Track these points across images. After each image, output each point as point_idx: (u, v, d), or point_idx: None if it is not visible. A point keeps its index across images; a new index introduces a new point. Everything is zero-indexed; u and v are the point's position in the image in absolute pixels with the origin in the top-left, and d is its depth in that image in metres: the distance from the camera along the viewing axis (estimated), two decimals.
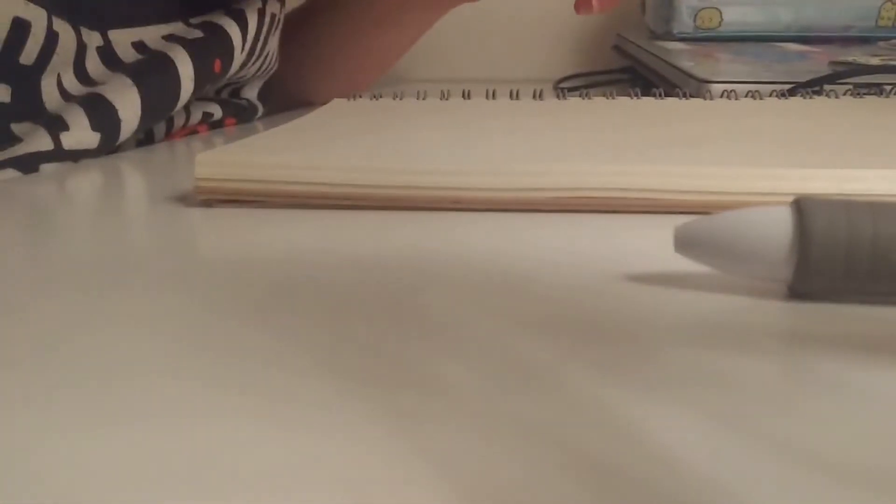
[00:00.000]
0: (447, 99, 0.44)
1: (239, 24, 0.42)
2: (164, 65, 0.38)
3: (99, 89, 0.36)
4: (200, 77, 0.40)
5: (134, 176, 0.31)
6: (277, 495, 0.10)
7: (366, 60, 0.56)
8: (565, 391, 0.12)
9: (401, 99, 0.43)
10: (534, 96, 0.43)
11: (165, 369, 0.13)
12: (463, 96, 0.44)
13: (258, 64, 0.46)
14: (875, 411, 0.12)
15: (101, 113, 0.35)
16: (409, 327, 0.15)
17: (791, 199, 0.17)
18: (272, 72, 0.50)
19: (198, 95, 0.41)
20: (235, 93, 0.48)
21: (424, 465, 0.10)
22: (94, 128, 0.35)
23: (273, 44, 0.47)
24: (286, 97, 0.56)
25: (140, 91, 0.36)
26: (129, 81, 0.36)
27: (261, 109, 0.50)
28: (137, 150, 0.38)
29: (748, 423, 0.11)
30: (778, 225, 0.16)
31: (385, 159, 0.25)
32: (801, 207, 0.16)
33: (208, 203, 0.25)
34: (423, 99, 0.44)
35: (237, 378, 0.13)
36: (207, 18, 0.41)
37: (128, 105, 0.36)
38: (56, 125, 0.34)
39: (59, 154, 0.34)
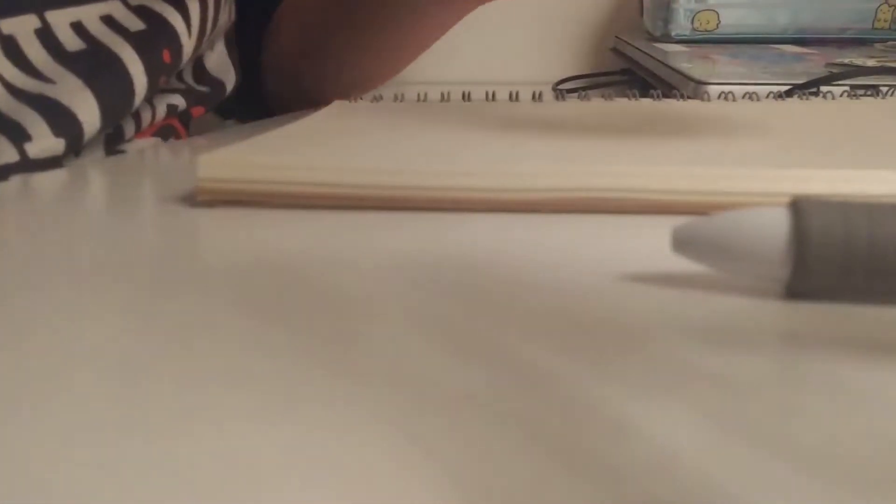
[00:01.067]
0: (447, 100, 0.44)
1: (180, 11, 0.41)
2: (112, 63, 0.37)
3: (50, 91, 0.35)
4: (152, 71, 0.39)
5: (130, 178, 0.31)
6: (278, 494, 0.10)
7: (377, 59, 0.55)
8: (562, 390, 0.13)
9: (401, 100, 0.43)
10: (533, 98, 0.43)
11: (167, 369, 0.14)
12: (463, 98, 0.45)
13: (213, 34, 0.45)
14: (872, 411, 0.12)
15: (61, 118, 0.35)
16: (408, 327, 0.15)
17: (788, 199, 0.17)
18: (229, 25, 0.48)
19: (156, 88, 0.41)
20: (200, 69, 0.47)
21: (423, 465, 0.11)
22: (57, 134, 0.34)
23: (224, 16, 0.46)
24: (295, 96, 0.55)
25: (94, 92, 0.36)
26: (80, 83, 0.36)
27: (229, 85, 0.48)
28: (132, 154, 0.38)
29: (745, 422, 0.12)
30: (775, 225, 0.16)
31: (385, 160, 0.25)
32: (798, 208, 0.16)
33: (210, 204, 0.25)
34: (424, 100, 0.44)
35: (239, 377, 0.13)
36: (146, 3, 0.40)
37: (85, 107, 0.35)
38: (18, 135, 0.33)
39: (27, 165, 0.34)
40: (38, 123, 0.34)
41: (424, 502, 0.10)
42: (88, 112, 0.36)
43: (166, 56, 0.40)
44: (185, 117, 0.46)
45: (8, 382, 0.13)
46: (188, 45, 0.42)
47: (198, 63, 0.47)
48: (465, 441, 0.11)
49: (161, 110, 0.43)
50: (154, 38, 0.40)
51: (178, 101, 0.44)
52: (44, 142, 0.34)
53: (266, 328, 0.15)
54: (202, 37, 0.44)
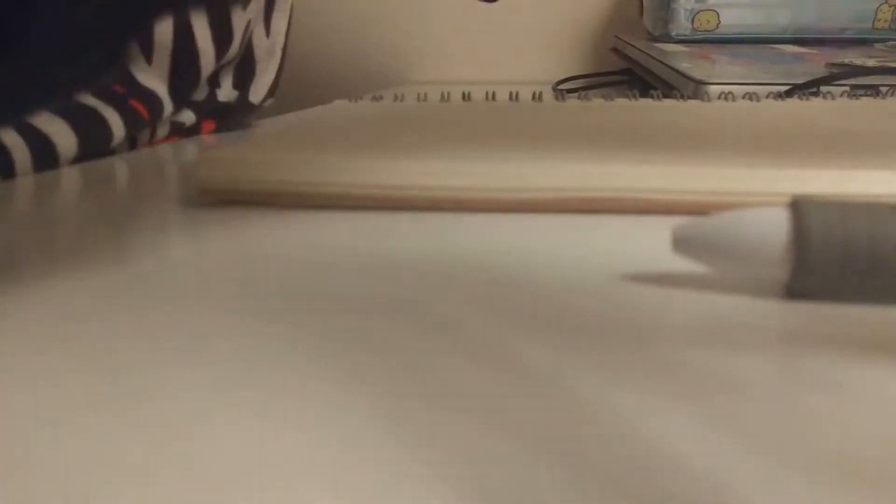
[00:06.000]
0: (447, 100, 0.44)
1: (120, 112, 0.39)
2: (85, 106, 0.37)
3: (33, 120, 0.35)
4: (130, 122, 0.39)
5: (131, 178, 0.31)
6: (277, 493, 0.10)
7: None
8: (563, 391, 0.13)
9: (402, 100, 0.43)
10: (533, 98, 0.43)
11: (167, 369, 0.14)
12: (463, 98, 0.45)
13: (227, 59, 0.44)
14: (872, 411, 0.12)
15: (43, 150, 0.34)
16: (408, 326, 0.15)
17: (788, 199, 0.17)
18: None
19: (134, 133, 0.40)
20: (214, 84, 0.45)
21: (423, 465, 0.11)
22: (36, 168, 0.34)
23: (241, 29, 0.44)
24: None
25: (69, 123, 0.36)
26: (52, 115, 0.35)
27: (257, 103, 0.47)
28: (128, 154, 0.38)
29: (745, 422, 0.12)
30: (775, 225, 0.16)
31: (385, 160, 0.25)
32: (798, 208, 0.16)
33: (211, 204, 0.25)
34: (424, 100, 0.44)
35: (240, 377, 0.13)
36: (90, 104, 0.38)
37: (62, 135, 0.35)
38: (5, 165, 0.33)
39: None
40: (25, 155, 0.34)
41: (425, 501, 0.10)
42: (66, 141, 0.35)
43: (142, 111, 0.40)
44: (192, 132, 0.44)
45: (11, 381, 0.13)
46: (168, 106, 0.41)
47: (216, 78, 0.45)
48: (465, 440, 0.11)
49: (163, 131, 0.42)
50: (128, 97, 0.39)
51: (187, 117, 0.43)
52: (27, 171, 0.34)
53: (266, 328, 0.15)
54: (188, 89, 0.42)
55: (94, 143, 0.37)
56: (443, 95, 0.45)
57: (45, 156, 0.35)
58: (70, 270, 0.19)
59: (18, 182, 0.31)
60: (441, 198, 0.24)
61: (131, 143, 0.41)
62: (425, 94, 0.45)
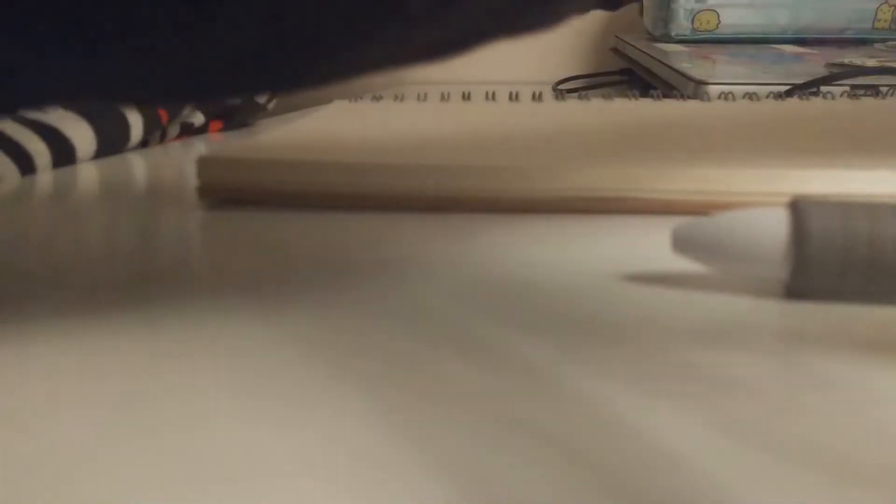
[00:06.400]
0: (447, 100, 0.44)
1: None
2: (114, 110, 0.38)
3: (46, 118, 0.35)
4: (149, 125, 0.39)
5: (130, 179, 0.31)
6: (277, 494, 0.10)
7: None
8: (564, 391, 0.13)
9: (402, 100, 0.43)
10: (533, 98, 0.43)
11: (169, 371, 0.14)
12: (463, 98, 0.45)
13: None
14: (872, 410, 0.12)
15: (63, 152, 0.35)
16: (408, 326, 0.15)
17: (788, 199, 0.17)
18: None
19: (151, 134, 0.41)
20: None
21: (424, 465, 0.11)
22: (55, 164, 0.35)
23: None
24: None
25: (93, 127, 0.36)
26: (74, 115, 0.36)
27: (262, 102, 0.47)
28: (131, 155, 0.38)
29: (745, 422, 0.12)
30: (775, 225, 0.16)
31: (385, 160, 0.25)
32: (798, 208, 0.16)
33: (210, 205, 0.25)
34: (424, 100, 0.44)
35: (243, 378, 0.13)
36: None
37: (84, 142, 0.36)
38: (23, 161, 0.34)
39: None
40: (45, 156, 0.34)
41: (426, 501, 0.10)
42: (85, 144, 0.36)
43: (163, 115, 0.41)
44: (200, 132, 0.45)
45: (14, 384, 0.13)
46: (187, 107, 0.42)
47: None
48: (465, 440, 0.11)
49: (173, 131, 0.43)
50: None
51: (196, 117, 0.44)
52: (46, 170, 0.34)
53: (267, 327, 0.15)
54: None
55: (113, 145, 0.38)
56: (443, 95, 0.45)
57: (64, 157, 0.35)
58: (70, 270, 0.19)
59: (33, 179, 0.31)
60: (440, 198, 0.24)
61: (143, 141, 0.41)
62: (425, 94, 0.45)
